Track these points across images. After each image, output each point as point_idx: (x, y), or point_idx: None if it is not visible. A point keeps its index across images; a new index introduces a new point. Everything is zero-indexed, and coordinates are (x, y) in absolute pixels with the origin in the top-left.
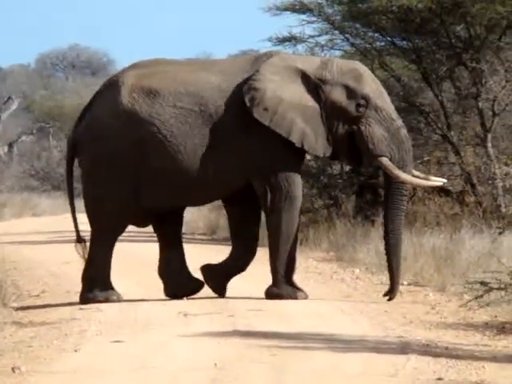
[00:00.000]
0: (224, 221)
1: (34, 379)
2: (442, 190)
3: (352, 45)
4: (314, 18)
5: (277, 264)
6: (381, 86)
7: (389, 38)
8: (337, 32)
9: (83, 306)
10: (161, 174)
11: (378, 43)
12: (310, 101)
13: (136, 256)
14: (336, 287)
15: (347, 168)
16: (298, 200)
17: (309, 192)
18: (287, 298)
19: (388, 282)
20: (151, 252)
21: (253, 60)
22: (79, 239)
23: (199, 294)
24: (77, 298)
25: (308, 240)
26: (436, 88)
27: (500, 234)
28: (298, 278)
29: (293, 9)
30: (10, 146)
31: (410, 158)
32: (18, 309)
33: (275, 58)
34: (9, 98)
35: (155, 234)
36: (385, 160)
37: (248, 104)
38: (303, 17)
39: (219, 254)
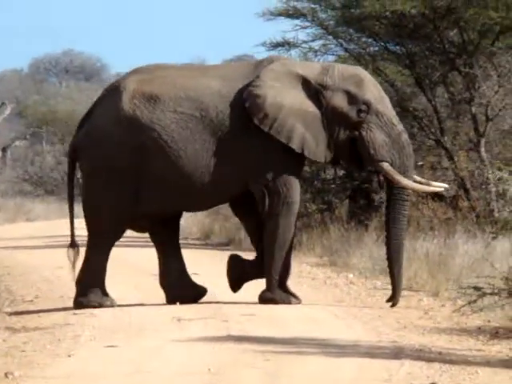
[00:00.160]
0: (218, 226)
1: None
2: (435, 195)
3: (346, 50)
4: (307, 24)
5: (271, 269)
6: (382, 91)
7: (382, 43)
8: (330, 37)
9: (77, 311)
10: (161, 179)
11: (371, 48)
12: (310, 106)
13: (132, 261)
14: (329, 292)
15: (341, 173)
16: (296, 205)
17: (302, 197)
18: (280, 303)
19: (382, 287)
20: (148, 257)
21: (253, 65)
22: (73, 244)
23: None
24: (70, 303)
25: (301, 245)
26: (429, 93)
27: (493, 238)
28: (291, 282)
29: (286, 14)
30: (4, 150)
31: (412, 164)
32: (11, 314)
33: (276, 64)
34: (2, 103)
35: (152, 242)
36: (386, 165)
37: (248, 110)
38: (297, 22)
39: (213, 259)
